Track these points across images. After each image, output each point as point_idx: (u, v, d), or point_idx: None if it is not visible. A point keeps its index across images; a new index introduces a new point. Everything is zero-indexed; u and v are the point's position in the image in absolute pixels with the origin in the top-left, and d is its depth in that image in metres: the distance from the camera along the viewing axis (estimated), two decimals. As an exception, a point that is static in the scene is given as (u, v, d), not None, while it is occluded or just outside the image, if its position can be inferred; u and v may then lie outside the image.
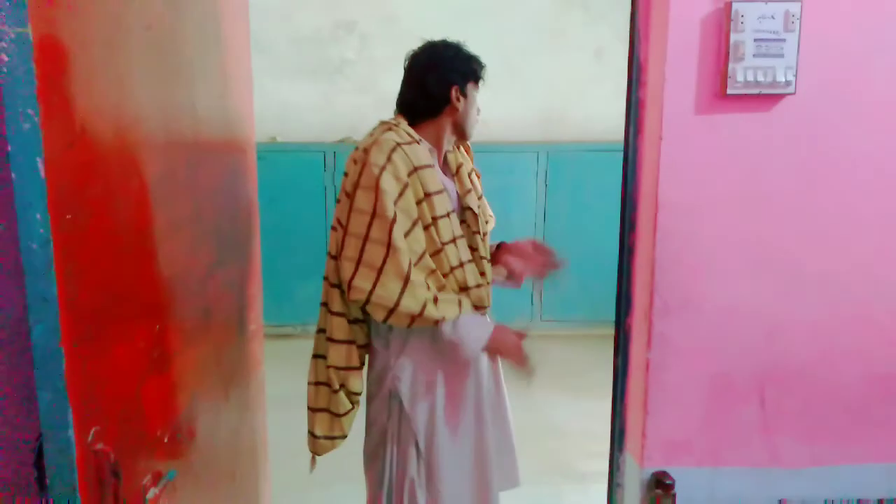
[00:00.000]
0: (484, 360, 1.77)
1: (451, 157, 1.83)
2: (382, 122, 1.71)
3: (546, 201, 4.36)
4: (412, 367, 1.68)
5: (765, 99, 1.48)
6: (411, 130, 1.69)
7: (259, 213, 1.78)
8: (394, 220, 1.53)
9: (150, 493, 0.89)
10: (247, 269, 1.65)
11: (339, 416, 1.69)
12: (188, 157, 1.17)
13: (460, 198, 1.78)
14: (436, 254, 1.63)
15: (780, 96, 1.48)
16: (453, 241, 1.67)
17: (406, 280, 1.53)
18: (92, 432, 0.75)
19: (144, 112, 0.98)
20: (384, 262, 1.52)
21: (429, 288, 1.60)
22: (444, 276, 1.65)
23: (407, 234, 1.56)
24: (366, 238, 1.54)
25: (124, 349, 0.87)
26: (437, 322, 1.60)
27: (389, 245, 1.52)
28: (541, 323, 4.47)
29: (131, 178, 0.94)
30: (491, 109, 4.40)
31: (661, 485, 1.60)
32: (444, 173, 1.78)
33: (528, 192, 4.36)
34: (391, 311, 1.55)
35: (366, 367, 1.79)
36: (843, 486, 1.65)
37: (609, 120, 3.78)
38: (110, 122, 0.88)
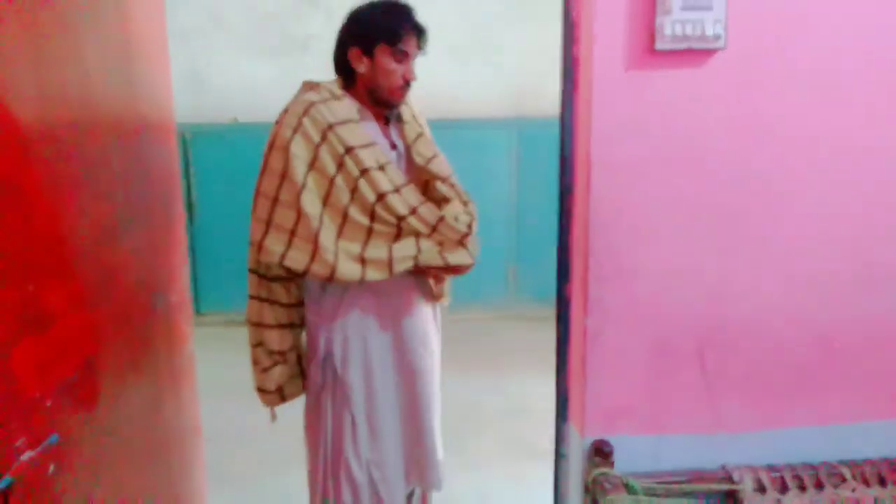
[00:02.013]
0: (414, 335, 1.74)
1: (407, 127, 1.80)
2: (305, 83, 1.70)
3: (519, 178, 4.33)
4: (345, 329, 1.67)
5: (695, 54, 1.45)
6: (334, 87, 1.67)
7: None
8: (302, 187, 1.53)
9: (26, 455, 0.86)
10: (164, 242, 1.63)
11: (264, 370, 1.73)
12: (73, 125, 1.13)
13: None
14: (380, 200, 1.62)
15: (711, 52, 1.44)
16: (396, 190, 1.64)
17: (315, 245, 1.53)
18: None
19: (14, 75, 0.93)
20: (295, 225, 1.53)
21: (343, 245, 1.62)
22: (401, 220, 1.65)
23: (327, 195, 1.56)
24: (275, 199, 1.56)
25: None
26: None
27: (299, 210, 1.52)
28: (514, 303, 4.45)
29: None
30: (462, 86, 4.38)
31: (599, 453, 1.58)
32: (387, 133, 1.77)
33: (501, 169, 4.33)
34: (305, 273, 1.59)
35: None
36: (786, 450, 1.62)
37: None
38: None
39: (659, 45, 1.42)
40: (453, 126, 4.31)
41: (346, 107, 1.64)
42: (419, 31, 1.72)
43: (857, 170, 1.53)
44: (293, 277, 1.72)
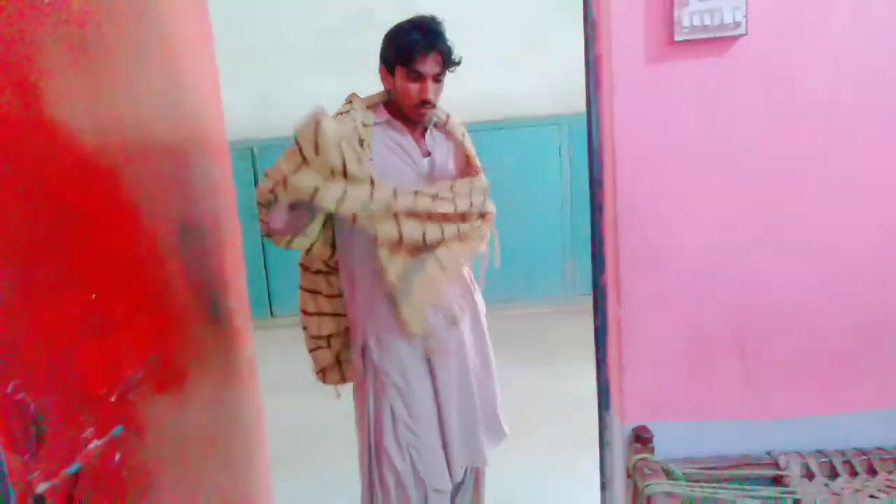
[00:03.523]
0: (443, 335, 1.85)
1: (436, 135, 1.89)
2: (348, 96, 1.84)
3: (571, 174, 4.33)
4: (378, 322, 1.77)
5: (716, 43, 1.45)
6: (362, 100, 1.81)
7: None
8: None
9: (92, 445, 0.99)
10: (219, 253, 1.78)
11: (310, 351, 1.96)
12: (127, 151, 1.26)
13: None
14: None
15: (732, 39, 1.45)
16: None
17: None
18: (11, 384, 0.85)
19: (66, 100, 1.06)
20: None
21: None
22: None
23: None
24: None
25: (52, 315, 0.97)
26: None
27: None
28: (572, 297, 4.45)
29: (54, 162, 1.03)
30: (513, 87, 4.41)
31: (639, 439, 1.60)
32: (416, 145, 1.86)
33: (554, 166, 4.34)
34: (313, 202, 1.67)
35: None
36: (835, 436, 1.60)
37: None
38: (25, 107, 0.97)
39: (678, 37, 1.44)
40: (506, 126, 4.37)
41: (349, 121, 1.73)
42: (437, 51, 1.74)
43: (893, 150, 1.49)
44: (333, 271, 1.89)
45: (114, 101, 1.21)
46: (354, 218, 1.63)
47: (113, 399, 1.08)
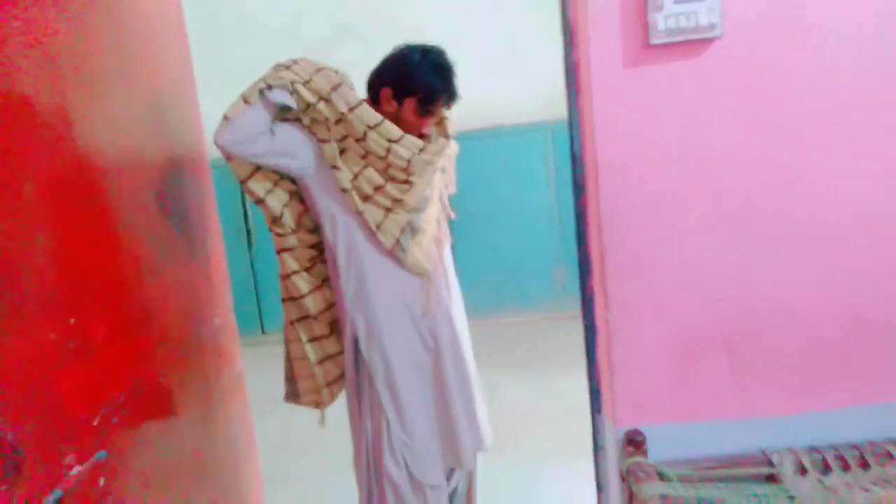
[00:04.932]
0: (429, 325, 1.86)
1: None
2: None
3: (558, 180, 4.34)
4: (366, 314, 1.77)
5: (692, 46, 1.46)
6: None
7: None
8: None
9: (74, 471, 0.98)
10: (204, 272, 1.76)
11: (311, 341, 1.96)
12: (104, 174, 1.25)
13: None
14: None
15: (708, 41, 1.46)
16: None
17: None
18: (-14, 412, 0.84)
19: (38, 121, 1.06)
20: None
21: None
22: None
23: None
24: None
25: (28, 341, 0.95)
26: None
27: None
28: (563, 304, 4.45)
29: (28, 183, 1.02)
30: (497, 95, 4.43)
31: (632, 442, 1.60)
32: None
33: (540, 172, 4.35)
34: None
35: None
36: (827, 432, 1.60)
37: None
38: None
39: (654, 40, 1.45)
40: (492, 135, 4.38)
41: None
42: (453, 96, 1.82)
43: (876, 144, 1.50)
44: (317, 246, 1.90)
45: (89, 121, 1.20)
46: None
47: (95, 423, 1.07)
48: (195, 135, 1.82)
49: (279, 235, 1.83)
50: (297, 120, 1.75)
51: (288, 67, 1.71)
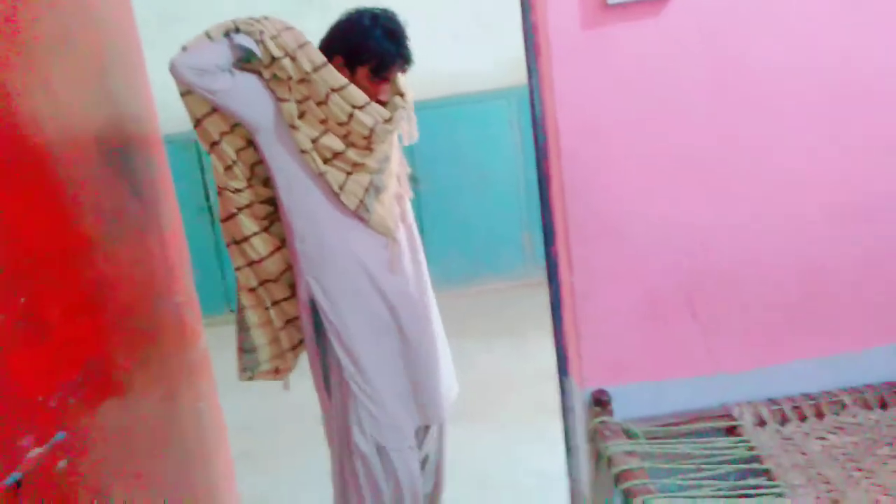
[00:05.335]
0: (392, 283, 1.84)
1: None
2: None
3: (524, 146, 4.33)
4: (325, 275, 1.76)
5: (650, 4, 1.45)
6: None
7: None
8: None
9: (33, 453, 0.96)
10: (162, 248, 1.72)
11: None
12: (49, 148, 1.21)
13: None
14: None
15: (665, -1, 1.45)
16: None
17: None
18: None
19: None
20: None
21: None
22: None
23: None
24: None
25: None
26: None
27: None
28: (533, 270, 4.48)
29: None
30: (460, 62, 4.39)
31: (598, 402, 1.63)
32: None
33: (506, 139, 4.33)
34: None
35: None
36: (786, 384, 1.65)
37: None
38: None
39: (611, 0, 1.44)
40: (456, 102, 4.34)
41: None
42: (405, 61, 1.78)
43: (833, 102, 1.51)
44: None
45: (29, 91, 1.15)
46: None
47: (52, 405, 1.05)
48: (145, 106, 1.76)
49: (233, 192, 1.77)
50: (258, 74, 1.71)
51: (258, 21, 1.67)
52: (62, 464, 1.03)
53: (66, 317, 1.15)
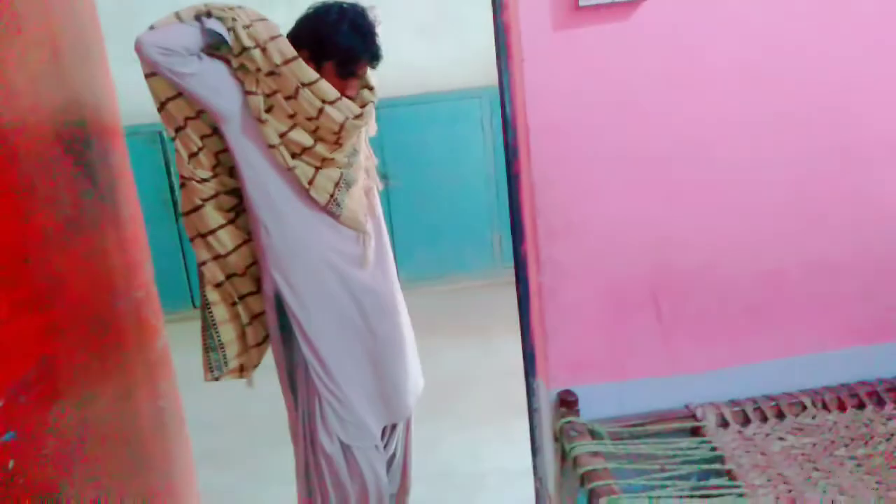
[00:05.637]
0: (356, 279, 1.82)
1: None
2: None
3: (495, 146, 4.34)
4: (289, 270, 1.73)
5: (620, 8, 1.46)
6: None
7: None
8: None
9: (-17, 454, 0.92)
10: (120, 243, 1.67)
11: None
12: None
13: None
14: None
15: (635, 4, 1.46)
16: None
17: None
18: None
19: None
20: None
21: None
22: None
23: None
24: None
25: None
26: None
27: None
28: (502, 270, 4.50)
29: None
30: (430, 60, 4.38)
31: (565, 403, 1.63)
32: None
33: (476, 138, 4.34)
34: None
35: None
36: (748, 385, 1.68)
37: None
38: None
39: (583, 2, 1.44)
40: (426, 101, 4.33)
41: None
42: (375, 57, 1.76)
43: (794, 106, 1.55)
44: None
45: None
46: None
47: (1, 404, 1.00)
48: (104, 94, 1.70)
49: (199, 182, 1.72)
50: (226, 62, 1.67)
51: (231, 8, 1.62)
52: (10, 464, 0.99)
53: (16, 312, 1.11)
